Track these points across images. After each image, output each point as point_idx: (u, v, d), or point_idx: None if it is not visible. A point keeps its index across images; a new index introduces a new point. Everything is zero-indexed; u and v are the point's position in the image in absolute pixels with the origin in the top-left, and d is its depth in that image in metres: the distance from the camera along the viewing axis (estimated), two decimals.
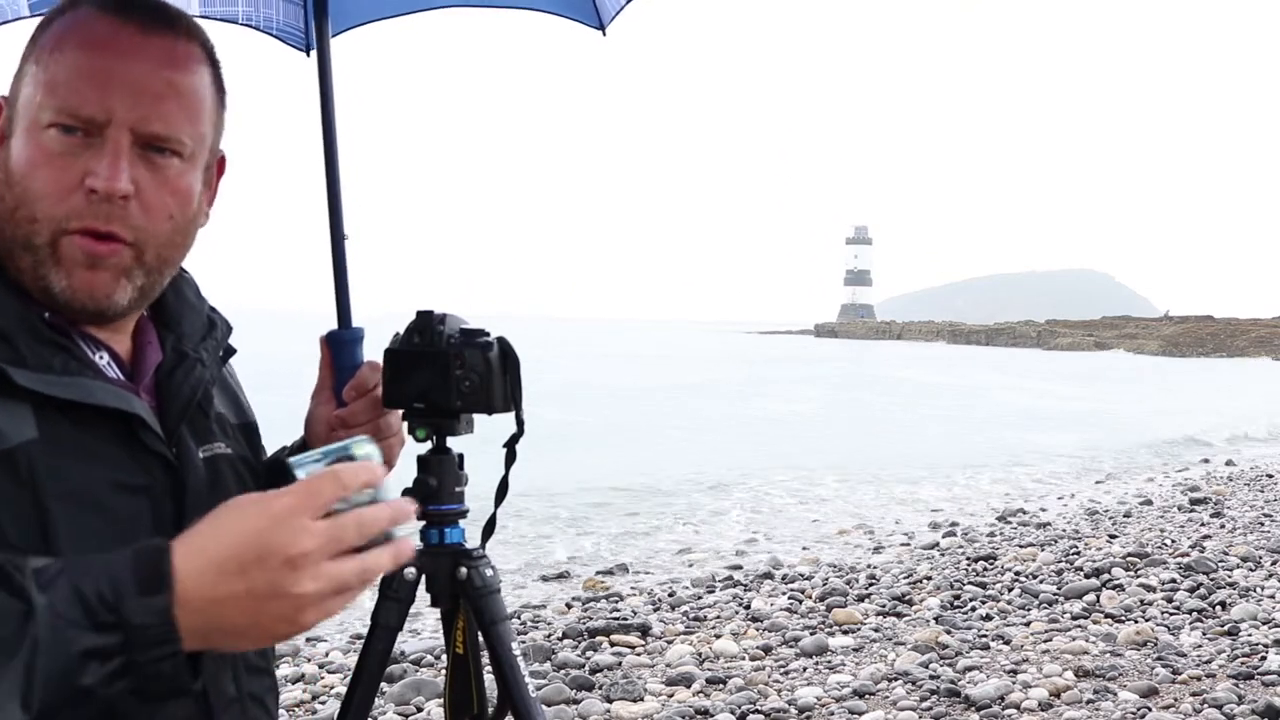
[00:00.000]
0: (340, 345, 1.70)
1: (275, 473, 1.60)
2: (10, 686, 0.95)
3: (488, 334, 1.83)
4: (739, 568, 10.16)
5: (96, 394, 1.25)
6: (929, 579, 8.85)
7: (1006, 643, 6.88)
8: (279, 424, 1.82)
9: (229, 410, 1.51)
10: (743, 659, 6.69)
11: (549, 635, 7.34)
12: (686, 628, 7.48)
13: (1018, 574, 8.95)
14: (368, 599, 1.84)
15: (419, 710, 5.77)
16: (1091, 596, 8.02)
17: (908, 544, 11.36)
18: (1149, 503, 13.89)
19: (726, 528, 12.92)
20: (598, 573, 10.06)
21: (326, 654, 7.12)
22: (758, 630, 7.39)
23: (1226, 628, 7.04)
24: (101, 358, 1.32)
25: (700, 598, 8.54)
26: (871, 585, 8.76)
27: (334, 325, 1.86)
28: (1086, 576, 8.64)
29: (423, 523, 1.89)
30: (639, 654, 6.82)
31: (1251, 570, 8.82)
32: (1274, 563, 9.14)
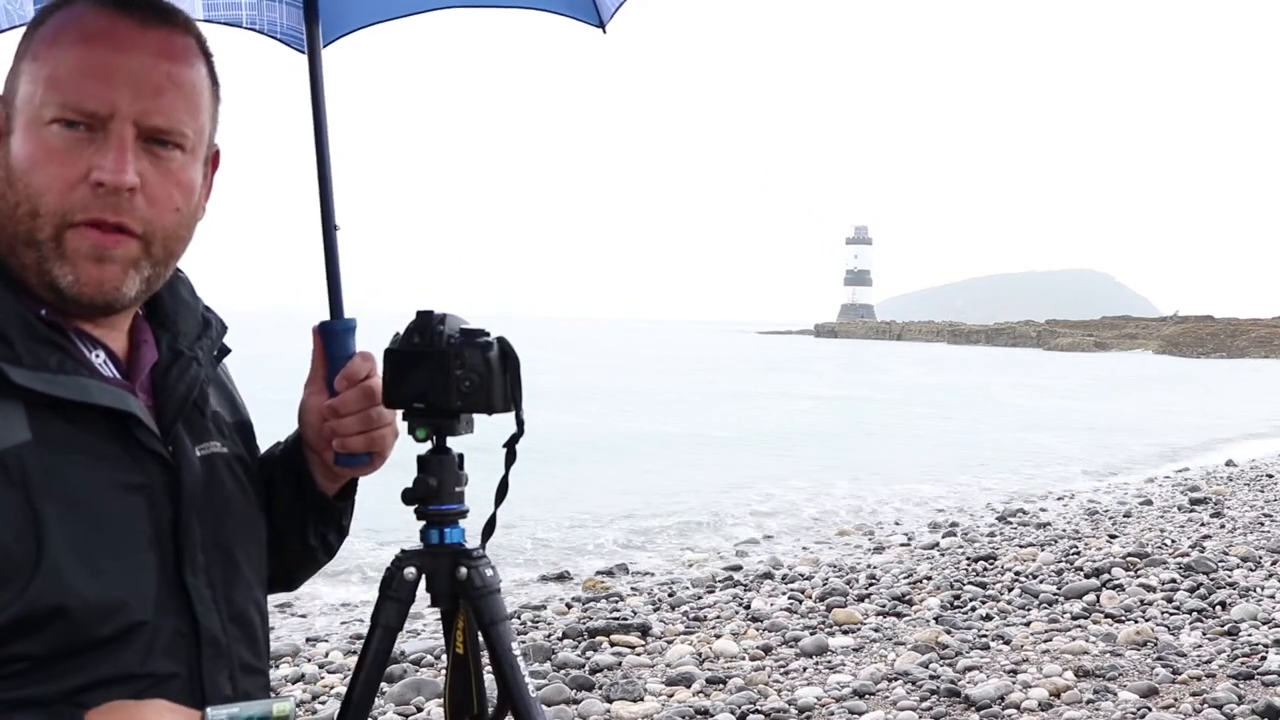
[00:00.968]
0: (332, 335, 1.69)
1: (267, 469, 1.60)
2: None
3: (488, 334, 1.83)
4: (739, 568, 10.17)
5: (93, 393, 1.25)
6: (929, 579, 8.85)
7: (1006, 643, 6.88)
8: (278, 421, 1.82)
9: (224, 409, 1.51)
10: (743, 659, 6.69)
11: (549, 635, 7.34)
12: (686, 628, 7.49)
13: (1018, 574, 8.95)
14: (369, 598, 1.84)
15: (419, 710, 5.77)
16: (1091, 596, 8.02)
17: (908, 544, 11.36)
18: (1149, 503, 13.89)
19: (726, 528, 12.93)
20: (598, 573, 10.07)
21: (326, 654, 7.12)
22: (758, 630, 7.39)
23: (1226, 628, 7.04)
24: (98, 356, 1.32)
25: (700, 598, 8.55)
26: (871, 585, 8.76)
27: (326, 317, 1.86)
28: (1086, 576, 8.64)
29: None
30: (639, 654, 6.83)
31: (1251, 570, 8.82)
32: (1274, 563, 9.14)
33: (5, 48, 1.37)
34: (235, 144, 1.42)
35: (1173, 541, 10.37)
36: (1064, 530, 11.54)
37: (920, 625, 7.35)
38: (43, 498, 1.18)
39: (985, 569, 9.30)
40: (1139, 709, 5.58)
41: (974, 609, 7.83)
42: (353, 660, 4.83)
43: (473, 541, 1.91)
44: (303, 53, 2.23)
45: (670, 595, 8.64)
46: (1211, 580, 8.36)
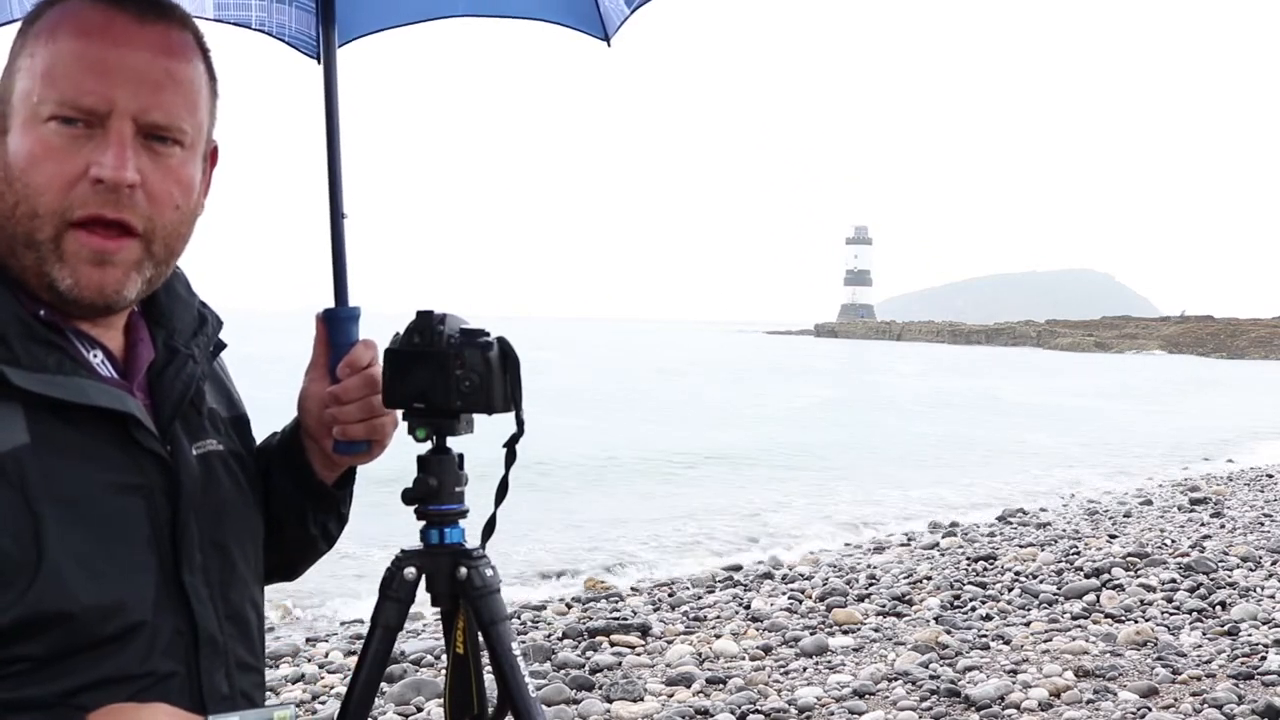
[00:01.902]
0: (336, 323, 1.69)
1: (265, 459, 1.60)
2: None
3: (488, 334, 1.83)
4: (739, 568, 10.17)
5: (91, 394, 1.24)
6: (929, 579, 8.85)
7: (1006, 643, 6.88)
8: (277, 415, 1.81)
9: (221, 405, 1.51)
10: (743, 659, 6.69)
11: (549, 635, 7.34)
12: (686, 628, 7.48)
13: (1018, 574, 8.95)
14: (370, 598, 1.85)
15: (419, 710, 5.77)
16: (1091, 596, 8.02)
17: (908, 544, 11.36)
18: (1149, 503, 13.89)
19: (726, 527, 12.92)
20: (598, 572, 10.07)
21: (326, 654, 7.12)
22: (758, 630, 7.39)
23: (1226, 628, 7.04)
24: (95, 355, 1.32)
25: (700, 598, 8.55)
26: (871, 585, 8.76)
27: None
28: (1086, 576, 8.64)
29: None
30: (639, 654, 6.82)
31: (1251, 570, 8.82)
32: (1274, 563, 9.14)
33: (1, 43, 1.36)
34: (243, 143, 1.43)
35: (1173, 541, 10.37)
36: (1064, 530, 11.54)
37: (920, 625, 7.35)
38: (42, 500, 1.18)
39: (985, 569, 9.30)
40: (1139, 709, 5.58)
41: (974, 609, 7.83)
42: (353, 660, 4.83)
43: (473, 541, 1.91)
44: (311, 56, 2.23)
45: (670, 595, 8.64)
46: (1211, 580, 8.36)
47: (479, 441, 1.82)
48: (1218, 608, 7.57)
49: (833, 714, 5.69)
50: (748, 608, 8.04)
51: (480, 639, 1.90)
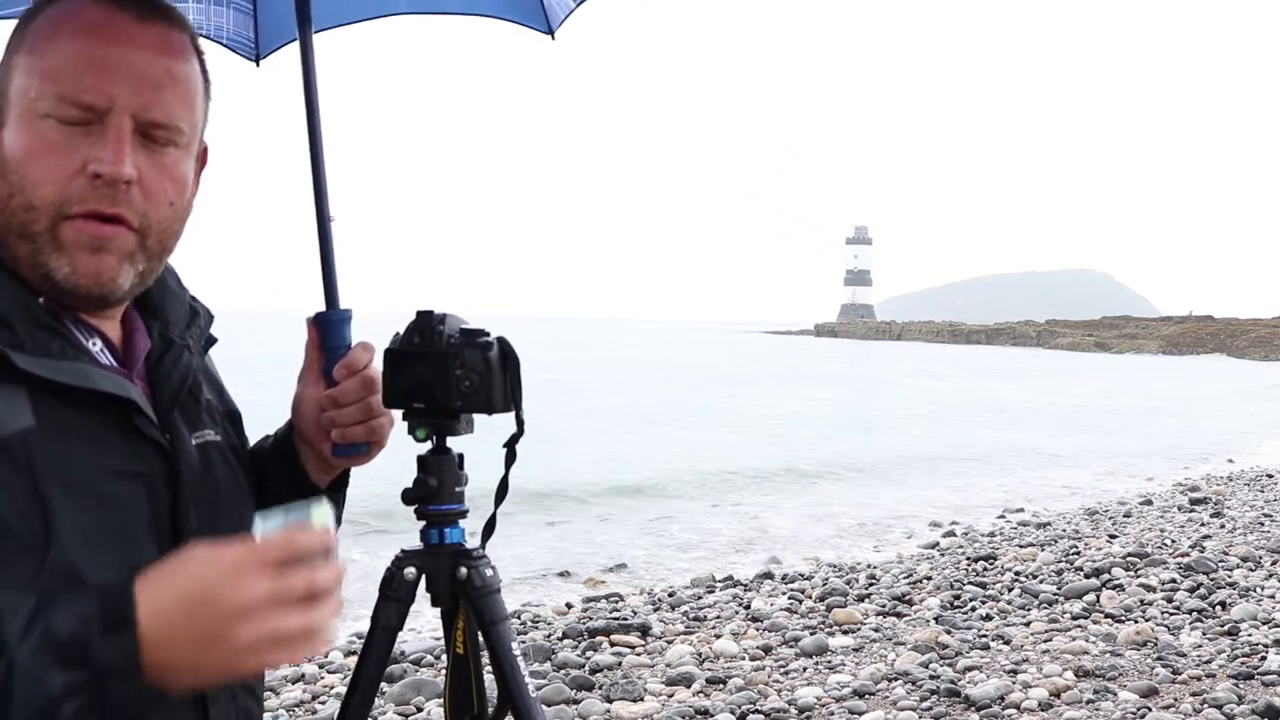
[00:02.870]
0: (329, 326, 1.69)
1: (258, 462, 1.60)
2: None
3: (488, 334, 1.83)
4: (739, 568, 10.17)
5: (95, 379, 1.25)
6: (929, 579, 8.85)
7: (1006, 643, 6.88)
8: (272, 415, 1.81)
9: (214, 397, 1.52)
10: (743, 659, 6.69)
11: (549, 635, 7.34)
12: (686, 628, 7.48)
13: (1018, 574, 8.95)
14: (371, 597, 1.85)
15: (419, 710, 5.77)
16: (1091, 596, 8.02)
17: (908, 544, 11.37)
18: (1149, 503, 13.90)
19: (726, 527, 12.93)
20: (598, 573, 10.08)
21: (326, 654, 7.11)
22: (758, 630, 7.39)
23: (1226, 628, 7.04)
24: (95, 344, 1.32)
25: (700, 598, 8.55)
26: (871, 585, 8.76)
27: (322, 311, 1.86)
28: (1086, 576, 8.64)
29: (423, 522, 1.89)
30: (639, 654, 6.82)
31: (1251, 570, 8.82)
32: (1274, 563, 9.14)
33: None
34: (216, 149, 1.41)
35: (1173, 541, 10.37)
36: (1064, 530, 11.55)
37: (920, 625, 7.35)
38: (49, 482, 1.18)
39: (985, 569, 9.30)
40: (1139, 709, 5.58)
41: (974, 609, 7.83)
42: (353, 660, 4.83)
43: (473, 541, 1.91)
44: (248, 58, 2.25)
45: (670, 595, 8.64)
46: (1211, 580, 8.36)
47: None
48: (1218, 608, 7.57)
49: (833, 714, 5.69)
50: (748, 608, 8.04)
51: (480, 639, 1.90)
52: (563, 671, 6.37)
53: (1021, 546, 10.36)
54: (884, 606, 7.92)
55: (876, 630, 7.30)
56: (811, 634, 7.17)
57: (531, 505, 12.98)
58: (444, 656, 1.98)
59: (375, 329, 1.80)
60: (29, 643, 1.04)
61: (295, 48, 1.94)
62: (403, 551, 1.92)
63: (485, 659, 1.93)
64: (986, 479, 17.63)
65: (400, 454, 1.82)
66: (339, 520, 1.73)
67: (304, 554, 1.12)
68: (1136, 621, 7.27)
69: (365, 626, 1.89)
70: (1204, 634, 6.95)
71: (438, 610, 1.94)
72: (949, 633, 7.07)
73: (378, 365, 1.67)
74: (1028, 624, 7.35)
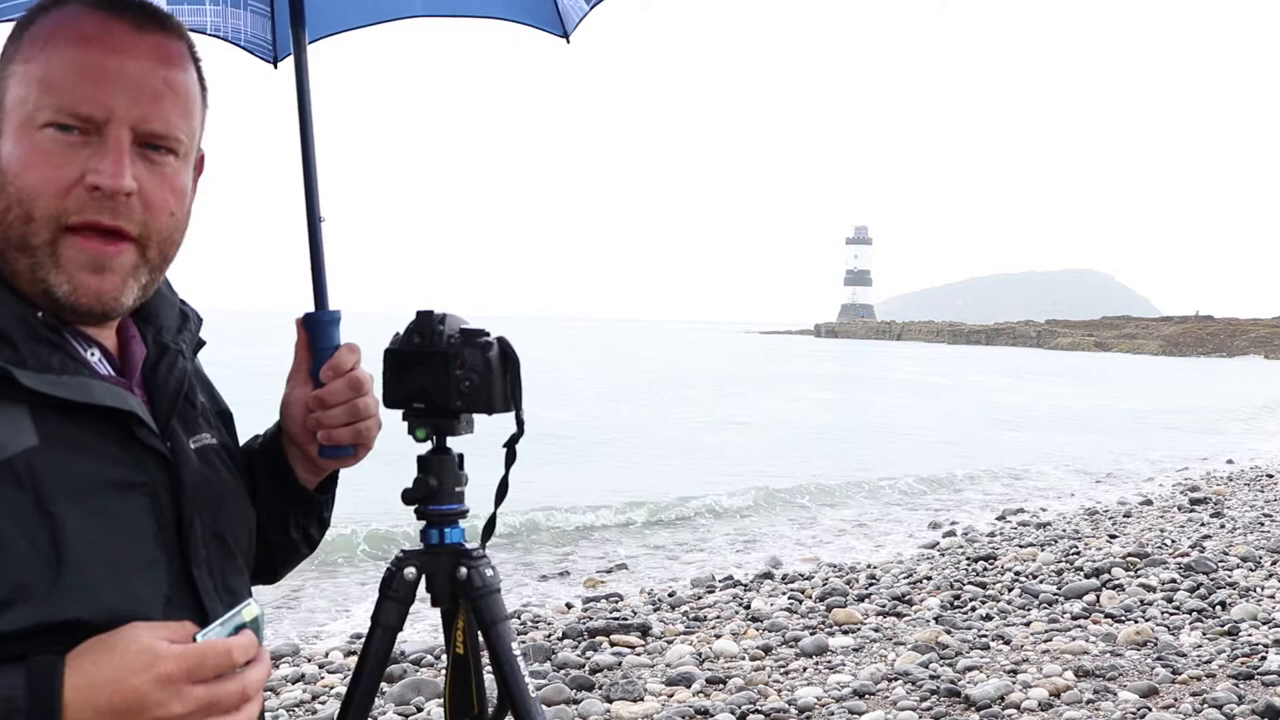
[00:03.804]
0: (317, 327, 1.69)
1: (247, 463, 1.60)
2: None
3: (488, 334, 1.83)
4: (739, 567, 10.17)
5: (97, 393, 1.25)
6: (929, 579, 8.85)
7: (1006, 643, 6.88)
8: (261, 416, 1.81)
9: (207, 399, 1.52)
10: (743, 659, 6.69)
11: (549, 635, 7.34)
12: (686, 628, 7.48)
13: (1018, 574, 8.95)
14: (369, 601, 1.84)
15: (419, 710, 5.77)
16: (1091, 596, 8.02)
17: (908, 544, 11.37)
18: (1149, 503, 13.89)
19: (727, 528, 12.92)
20: (598, 573, 10.07)
21: (326, 654, 7.11)
22: (758, 630, 7.38)
23: (1226, 628, 7.03)
24: (93, 354, 1.32)
25: (700, 598, 8.55)
26: (871, 585, 8.76)
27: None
28: (1086, 576, 8.64)
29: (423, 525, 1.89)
30: (639, 654, 6.82)
31: (1251, 570, 8.81)
32: (1274, 563, 9.14)
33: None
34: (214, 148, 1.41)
35: (1173, 541, 10.36)
36: (1064, 530, 11.54)
37: (920, 625, 7.34)
38: (57, 500, 1.18)
39: (985, 569, 9.30)
40: (1139, 709, 5.58)
41: (974, 609, 7.83)
42: (353, 660, 4.83)
43: (473, 541, 1.91)
44: (266, 60, 2.24)
45: (670, 595, 8.64)
46: (1211, 580, 8.36)
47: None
48: (1218, 608, 7.57)
49: (833, 714, 5.68)
50: (748, 608, 8.04)
51: (480, 639, 1.90)
52: (563, 671, 6.37)
53: (1021, 546, 10.36)
54: (884, 606, 7.92)
55: (876, 630, 7.30)
56: (811, 634, 7.17)
57: (532, 504, 12.97)
58: (444, 656, 1.98)
59: (374, 329, 1.80)
60: None
61: (322, 48, 1.95)
62: (403, 551, 1.92)
63: (485, 659, 1.93)
64: (987, 479, 17.61)
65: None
66: (327, 523, 1.73)
67: (238, 662, 1.17)
68: (1136, 621, 7.27)
69: (365, 627, 1.89)
70: (1204, 634, 6.95)
71: (438, 610, 1.94)
72: (949, 633, 7.07)
73: (365, 367, 1.67)
74: (1028, 624, 7.35)
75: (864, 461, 19.49)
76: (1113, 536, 10.83)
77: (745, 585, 9.06)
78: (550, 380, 35.70)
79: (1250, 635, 6.83)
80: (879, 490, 15.98)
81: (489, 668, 1.90)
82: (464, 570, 1.86)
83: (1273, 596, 7.86)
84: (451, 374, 1.79)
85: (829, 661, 6.63)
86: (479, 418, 1.86)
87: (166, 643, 1.15)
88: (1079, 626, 7.24)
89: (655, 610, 8.08)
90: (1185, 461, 20.05)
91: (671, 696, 5.98)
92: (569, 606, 8.39)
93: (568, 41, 2.29)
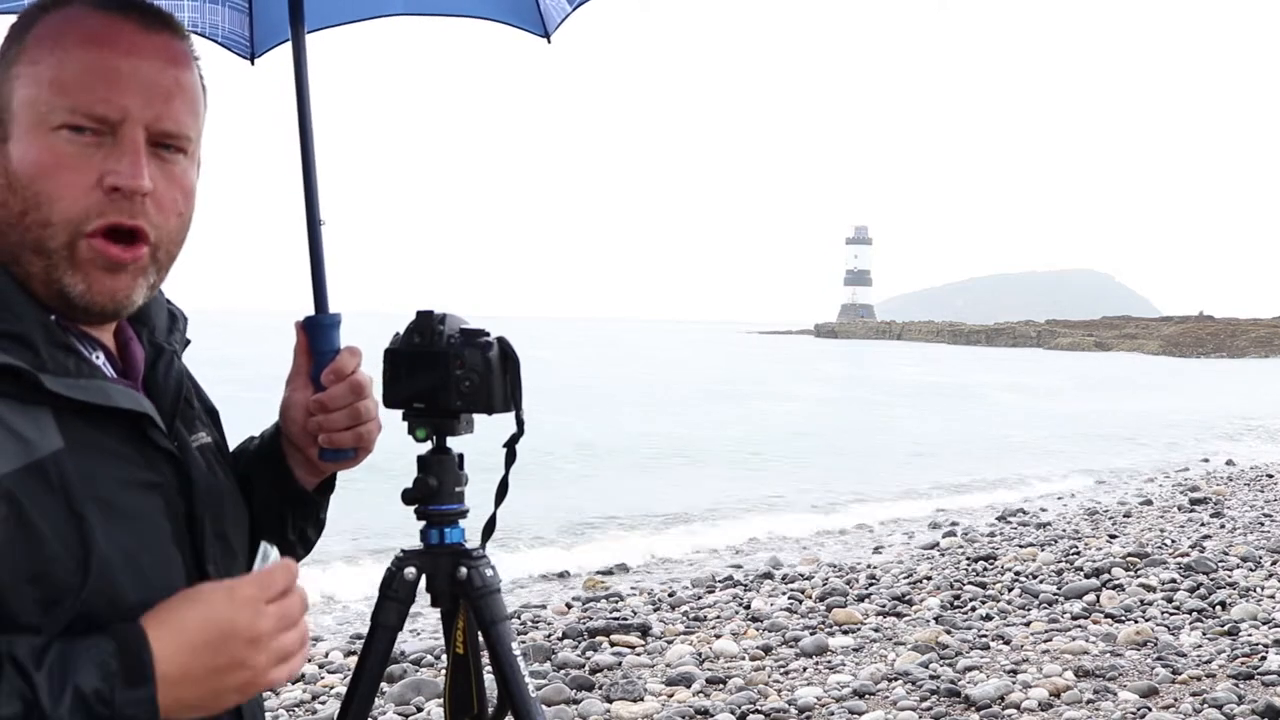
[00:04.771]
0: (317, 330, 1.68)
1: (243, 465, 1.60)
2: None
3: (488, 334, 1.83)
4: (739, 567, 10.17)
5: (113, 396, 1.26)
6: (929, 579, 8.85)
7: (1006, 643, 6.88)
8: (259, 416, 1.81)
9: (197, 398, 1.52)
10: (743, 659, 6.69)
11: (549, 635, 7.34)
12: (686, 628, 7.48)
13: (1018, 574, 8.95)
14: (369, 603, 1.85)
15: (419, 710, 5.77)
16: (1091, 596, 8.02)
17: (908, 544, 11.37)
18: (1149, 503, 13.90)
19: (727, 527, 12.92)
20: (598, 573, 10.07)
21: (326, 654, 7.11)
22: (758, 630, 7.38)
23: (1226, 628, 7.04)
24: (98, 356, 1.32)
25: (700, 598, 8.55)
26: (871, 585, 8.76)
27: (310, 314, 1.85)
28: (1086, 576, 8.64)
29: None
30: (639, 654, 6.82)
31: (1251, 570, 8.81)
32: (1274, 563, 9.14)
33: None
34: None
35: (1173, 541, 10.37)
36: (1064, 530, 11.54)
37: (920, 625, 7.34)
38: (84, 501, 1.19)
39: (985, 569, 9.30)
40: (1139, 709, 5.58)
41: (974, 609, 7.83)
42: (353, 660, 4.83)
43: (473, 541, 1.91)
44: (243, 56, 2.24)
45: (670, 595, 8.64)
46: (1211, 580, 8.36)
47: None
48: (1218, 608, 7.57)
49: (833, 714, 5.68)
50: (748, 608, 8.04)
51: (480, 639, 1.90)
52: (563, 671, 6.37)
53: (1021, 546, 10.36)
54: (884, 606, 7.92)
55: (876, 630, 7.30)
56: (811, 634, 7.17)
57: (533, 504, 12.97)
58: (444, 656, 1.98)
59: (373, 329, 1.80)
60: (63, 706, 1.09)
61: (289, 47, 1.94)
62: (403, 551, 1.92)
63: (485, 659, 1.93)
64: (986, 479, 17.62)
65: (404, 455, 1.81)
66: (323, 525, 1.73)
67: (296, 578, 1.25)
68: (1136, 621, 7.27)
69: (365, 627, 1.89)
70: (1204, 634, 6.95)
71: (438, 610, 1.94)
72: (949, 633, 7.07)
73: (366, 370, 1.67)
74: (1028, 624, 7.35)
75: (865, 461, 19.51)
76: (1113, 536, 10.83)
77: (745, 585, 9.06)
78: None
79: (1250, 635, 6.83)
80: (879, 490, 15.99)
81: (489, 668, 1.90)
82: (464, 570, 1.86)
83: (1273, 596, 7.86)
84: (451, 374, 1.79)
85: (829, 661, 6.63)
86: (478, 417, 1.86)
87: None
88: (1079, 626, 7.24)
89: (655, 610, 8.08)
90: (1185, 462, 20.06)
91: (671, 696, 5.98)
92: (569, 606, 8.39)
93: (549, 41, 2.29)
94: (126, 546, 1.22)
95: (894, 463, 19.53)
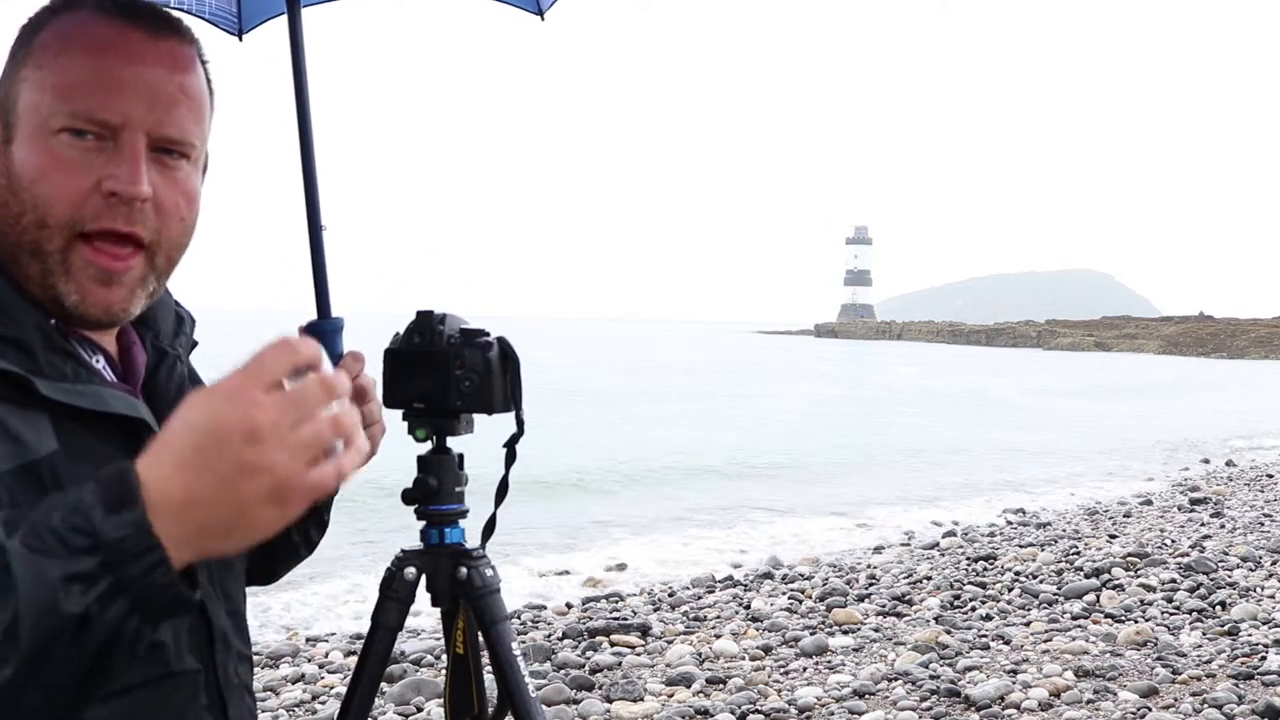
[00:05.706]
0: (320, 335, 1.68)
1: None
2: None
3: (488, 334, 1.83)
4: (739, 567, 10.17)
5: (110, 402, 1.25)
6: (929, 579, 8.85)
7: (1006, 643, 6.88)
8: None
9: None
10: (743, 659, 6.69)
11: (549, 635, 7.34)
12: (686, 628, 7.48)
13: (1018, 574, 8.95)
14: (369, 603, 1.85)
15: (419, 710, 5.77)
16: (1091, 596, 8.02)
17: (908, 544, 11.36)
18: (1149, 503, 13.89)
19: (727, 527, 12.92)
20: (598, 573, 10.07)
21: (326, 654, 7.12)
22: (758, 630, 7.38)
23: (1226, 628, 7.04)
24: (98, 361, 1.32)
25: (700, 598, 8.55)
26: (871, 585, 8.76)
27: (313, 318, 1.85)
28: (1086, 576, 8.64)
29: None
30: (639, 654, 6.82)
31: (1251, 570, 8.81)
32: (1274, 563, 9.14)
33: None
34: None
35: (1173, 541, 10.37)
36: (1064, 530, 11.54)
37: (920, 625, 7.34)
38: None
39: (985, 569, 9.30)
40: (1139, 709, 5.58)
41: (974, 609, 7.83)
42: (353, 660, 4.83)
43: (473, 541, 1.91)
44: (231, 32, 2.22)
45: (670, 595, 8.64)
46: (1211, 580, 8.36)
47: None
48: (1218, 608, 7.57)
49: (833, 714, 5.69)
50: (748, 608, 8.04)
51: (480, 639, 1.90)
52: (563, 671, 6.37)
53: (1021, 546, 10.36)
54: (884, 606, 7.92)
55: (876, 630, 7.30)
56: (811, 634, 7.17)
57: (533, 504, 12.97)
58: (444, 656, 1.98)
59: (371, 330, 1.80)
60: (21, 535, 0.96)
61: (278, 23, 1.92)
62: (403, 551, 1.92)
63: (485, 659, 1.93)
64: (986, 479, 17.62)
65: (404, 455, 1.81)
66: (326, 525, 1.73)
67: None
68: (1136, 621, 7.27)
69: (365, 627, 1.89)
70: (1204, 634, 6.95)
71: (438, 610, 1.94)
72: (949, 633, 7.07)
73: (369, 375, 1.67)
74: (1028, 624, 7.35)
75: (864, 461, 19.51)
76: (1113, 536, 10.83)
77: (745, 585, 9.06)
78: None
79: (1250, 635, 6.83)
80: (879, 490, 15.99)
81: (489, 668, 1.90)
82: (464, 570, 1.86)
83: (1273, 596, 7.86)
84: (452, 374, 1.79)
85: (829, 661, 6.63)
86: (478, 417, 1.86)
87: None
88: (1079, 626, 7.24)
89: (655, 610, 8.08)
90: (1185, 462, 20.05)
91: (671, 696, 5.98)
92: (569, 606, 8.40)
93: (541, 19, 2.27)
94: None
95: (894, 463, 19.53)
